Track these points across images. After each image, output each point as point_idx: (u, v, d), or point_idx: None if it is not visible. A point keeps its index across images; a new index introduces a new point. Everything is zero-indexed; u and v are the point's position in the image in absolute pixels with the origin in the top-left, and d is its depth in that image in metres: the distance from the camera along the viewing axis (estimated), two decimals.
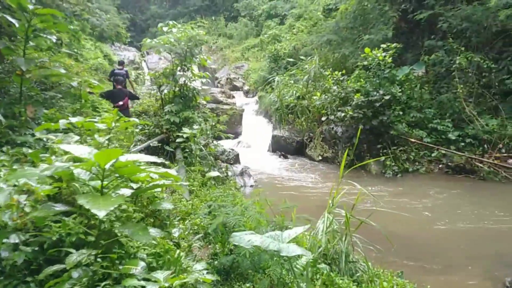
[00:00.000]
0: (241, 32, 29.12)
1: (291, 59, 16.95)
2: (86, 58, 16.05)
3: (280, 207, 4.65)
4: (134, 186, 3.30)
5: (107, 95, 9.75)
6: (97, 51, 18.60)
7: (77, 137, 3.88)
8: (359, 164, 5.66)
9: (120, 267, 2.65)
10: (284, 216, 4.82)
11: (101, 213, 1.71)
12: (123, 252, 2.80)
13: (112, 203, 1.86)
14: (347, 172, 4.94)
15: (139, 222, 2.84)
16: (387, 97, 10.84)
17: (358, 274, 4.10)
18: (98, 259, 2.44)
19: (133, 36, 28.54)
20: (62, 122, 2.92)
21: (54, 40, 5.38)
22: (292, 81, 14.09)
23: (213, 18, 32.09)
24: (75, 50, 14.53)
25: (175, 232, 3.76)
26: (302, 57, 15.71)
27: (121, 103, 10.18)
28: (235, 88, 23.03)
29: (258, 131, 16.42)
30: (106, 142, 3.68)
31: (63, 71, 5.74)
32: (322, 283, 3.86)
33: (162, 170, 2.26)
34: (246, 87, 22.99)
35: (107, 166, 2.09)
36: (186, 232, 4.68)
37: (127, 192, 2.41)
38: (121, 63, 13.66)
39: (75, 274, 2.29)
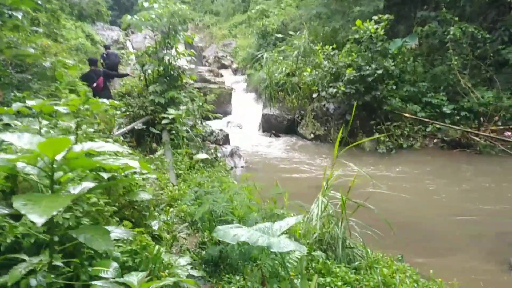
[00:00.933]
0: (228, 8, 28.29)
1: (280, 35, 16.42)
2: (66, 39, 15.37)
3: (271, 192, 4.30)
4: (106, 175, 2.94)
5: (83, 79, 9.32)
6: (78, 31, 17.87)
7: (46, 122, 3.49)
8: (355, 144, 5.31)
9: (90, 269, 2.32)
10: (276, 201, 4.51)
11: (39, 220, 1.35)
12: (93, 251, 2.45)
13: (59, 204, 1.49)
14: (342, 152, 4.60)
15: (98, 225, 2.48)
16: (379, 72, 10.47)
17: (356, 262, 3.81)
18: (59, 264, 2.09)
19: (117, 15, 27.52)
20: (16, 106, 2.52)
21: (20, 17, 4.88)
22: (281, 58, 13.62)
23: None
24: (55, 30, 13.86)
25: (155, 225, 3.41)
26: (291, 33, 15.19)
27: (94, 84, 9.70)
28: (223, 67, 22.43)
29: (248, 110, 15.99)
30: (73, 127, 3.29)
31: (32, 50, 5.27)
32: (318, 272, 3.58)
33: (124, 160, 1.88)
34: (234, 65, 22.40)
35: (57, 158, 1.71)
36: (172, 221, 4.36)
37: (87, 186, 2.04)
38: (107, 47, 13.26)
39: (33, 282, 1.96)
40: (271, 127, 13.55)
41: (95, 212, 2.69)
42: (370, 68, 10.64)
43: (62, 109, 2.69)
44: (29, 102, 2.65)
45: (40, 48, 10.14)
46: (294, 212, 5.09)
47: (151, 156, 7.76)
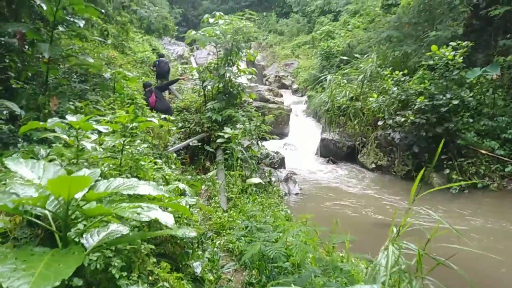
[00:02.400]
0: (293, 28, 28.12)
1: (345, 57, 15.80)
2: (134, 51, 15.78)
3: (332, 239, 3.71)
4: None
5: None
6: (145, 44, 18.39)
7: (87, 139, 3.20)
8: (441, 187, 4.57)
9: None
10: (335, 245, 3.93)
11: None
12: None
13: (59, 275, 1.06)
14: (422, 195, 3.92)
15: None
16: (455, 102, 9.54)
17: None
18: None
19: (184, 31, 28.28)
20: (52, 122, 2.20)
21: (81, 25, 4.76)
22: (345, 81, 12.98)
23: (264, 14, 31.33)
24: (123, 42, 14.25)
25: (198, 266, 2.96)
26: (357, 55, 14.55)
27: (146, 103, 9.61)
28: (284, 86, 22.12)
29: (306, 133, 15.46)
30: (118, 145, 2.95)
31: (90, 60, 5.14)
32: None
33: (155, 213, 1.43)
34: (295, 86, 22.03)
35: (76, 196, 1.31)
36: (217, 258, 3.90)
37: (115, 231, 1.63)
38: (160, 55, 13.68)
39: None
40: (329, 152, 12.89)
41: (129, 250, 2.29)
42: (444, 98, 9.74)
43: (102, 128, 2.33)
44: (69, 118, 2.33)
45: (106, 59, 10.35)
46: (355, 257, 4.46)
47: (203, 176, 7.44)
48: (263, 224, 3.69)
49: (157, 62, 13.81)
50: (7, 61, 5.63)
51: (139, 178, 3.12)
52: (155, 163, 3.88)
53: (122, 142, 2.97)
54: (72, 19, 4.76)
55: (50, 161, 3.02)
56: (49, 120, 2.21)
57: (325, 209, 8.36)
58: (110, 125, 2.61)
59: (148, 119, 2.83)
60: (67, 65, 7.31)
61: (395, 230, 4.09)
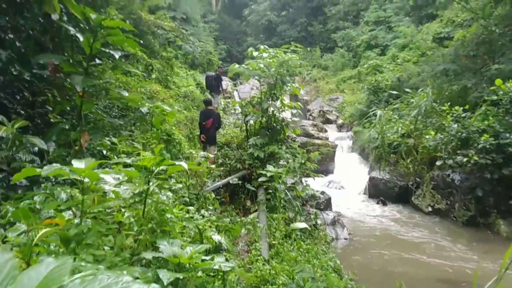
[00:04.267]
0: (337, 63, 27.66)
1: (394, 92, 15.00)
2: (178, 86, 15.80)
3: None
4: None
5: (201, 115, 9.92)
6: (189, 79, 18.48)
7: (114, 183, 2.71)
8: None
9: None
10: None
11: None
12: None
13: None
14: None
15: None
16: None
17: None
18: None
19: (228, 66, 28.68)
20: (47, 170, 1.71)
21: (117, 56, 4.45)
22: (396, 116, 12.16)
23: (308, 49, 31.21)
24: (168, 77, 14.28)
25: None
26: (407, 90, 13.73)
27: (204, 123, 9.63)
28: (328, 121, 21.45)
29: (352, 171, 14.60)
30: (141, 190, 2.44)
31: (125, 94, 4.79)
32: None
33: None
34: (340, 121, 21.29)
35: None
36: None
37: None
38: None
39: None
40: (378, 193, 11.94)
41: None
42: (511, 136, 8.73)
43: (111, 178, 1.82)
44: (75, 164, 1.84)
45: (148, 93, 10.22)
46: None
47: (243, 218, 6.84)
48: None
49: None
50: (49, 95, 5.45)
51: (164, 233, 2.57)
52: (188, 211, 3.35)
53: (145, 189, 2.45)
54: (108, 51, 4.44)
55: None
56: (44, 168, 1.73)
57: (378, 259, 7.45)
58: (128, 172, 2.12)
59: (178, 163, 2.30)
60: (107, 100, 7.16)
61: None
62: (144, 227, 2.49)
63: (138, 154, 5.67)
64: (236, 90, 24.96)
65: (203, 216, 5.55)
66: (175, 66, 16.14)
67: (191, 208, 3.51)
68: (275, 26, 37.24)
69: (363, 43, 26.11)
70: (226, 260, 3.58)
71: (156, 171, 2.42)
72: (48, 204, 2.58)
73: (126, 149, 5.23)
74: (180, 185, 5.20)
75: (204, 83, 15.12)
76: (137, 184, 2.55)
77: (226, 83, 25.19)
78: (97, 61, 5.14)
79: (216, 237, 3.40)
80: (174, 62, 15.13)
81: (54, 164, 1.76)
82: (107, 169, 2.21)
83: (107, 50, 4.49)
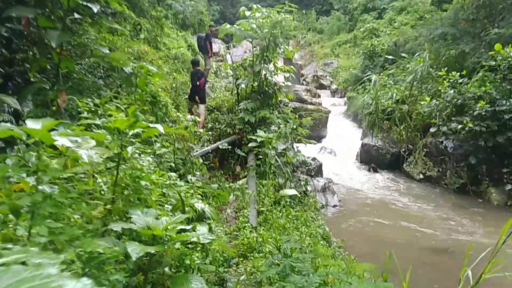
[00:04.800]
0: (333, 26, 26.93)
1: (390, 57, 14.65)
2: (168, 47, 15.25)
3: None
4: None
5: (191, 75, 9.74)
6: (181, 40, 17.87)
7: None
8: None
9: None
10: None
11: None
12: None
13: None
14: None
15: None
16: None
17: None
18: None
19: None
20: None
21: (95, 10, 4.10)
22: (391, 82, 11.89)
23: (303, 11, 30.29)
24: (157, 38, 13.73)
25: None
26: (404, 55, 13.40)
27: (198, 83, 9.39)
28: (322, 87, 21.10)
29: (345, 137, 14.44)
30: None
31: (106, 51, 4.47)
32: None
33: None
34: (334, 86, 20.96)
35: None
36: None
37: None
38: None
39: None
40: (370, 159, 11.84)
41: None
42: (507, 103, 8.55)
43: (67, 141, 1.59)
44: (28, 124, 1.61)
45: (135, 54, 9.80)
46: None
47: (232, 184, 6.69)
48: (300, 263, 2.86)
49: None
50: (30, 52, 5.11)
51: (141, 202, 2.37)
52: (169, 177, 3.15)
53: (117, 153, 2.23)
54: (85, 3, 4.08)
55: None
56: None
57: (368, 226, 7.41)
58: (92, 135, 1.89)
59: (153, 125, 2.07)
60: (92, 59, 6.79)
61: (470, 275, 3.18)
62: (117, 195, 2.29)
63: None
64: (229, 53, 24.33)
65: (188, 182, 5.38)
66: (166, 27, 15.52)
67: (172, 174, 3.31)
68: None
69: (360, 6, 25.36)
70: (210, 229, 3.42)
71: (130, 134, 2.18)
72: (14, 168, 2.36)
73: (109, 111, 4.97)
74: (165, 150, 4.99)
75: (196, 44, 14.60)
76: (109, 148, 2.32)
77: (218, 45, 24.49)
78: (76, 15, 4.77)
79: (199, 205, 3.22)
80: (165, 22, 14.52)
81: (3, 124, 1.52)
82: (65, 130, 1.98)
83: (84, 3, 4.13)
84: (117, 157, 2.26)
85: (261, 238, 4.87)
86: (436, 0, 16.66)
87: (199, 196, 4.92)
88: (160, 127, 2.08)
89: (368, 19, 23.44)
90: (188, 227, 2.45)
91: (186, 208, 3.26)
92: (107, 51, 4.47)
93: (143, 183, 2.31)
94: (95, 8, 4.10)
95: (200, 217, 3.26)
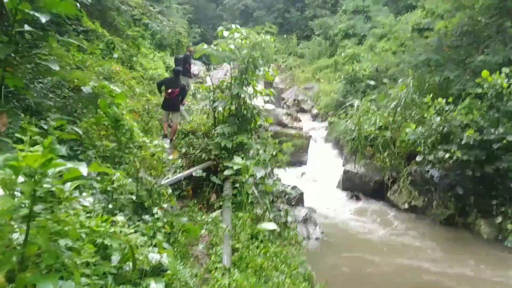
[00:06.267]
0: (314, 51, 26.91)
1: (372, 82, 14.43)
2: (145, 68, 14.67)
3: None
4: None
5: (161, 81, 9.70)
6: (159, 61, 17.35)
7: None
8: None
9: None
10: None
11: None
12: None
13: None
14: None
15: None
16: (510, 138, 8.02)
17: None
18: None
19: None
20: None
21: (44, 21, 3.52)
22: (374, 108, 11.56)
23: (284, 36, 30.31)
24: (133, 58, 13.16)
25: None
26: (385, 80, 13.17)
27: (169, 90, 9.25)
28: (303, 111, 20.79)
29: (326, 163, 13.99)
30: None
31: (56, 68, 3.87)
32: None
33: None
34: (314, 111, 20.66)
35: None
36: None
37: None
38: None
39: None
40: (353, 186, 11.37)
41: None
42: (496, 132, 8.24)
43: None
44: None
45: (105, 73, 9.19)
46: None
47: (204, 218, 6.03)
48: None
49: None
50: None
51: (61, 268, 1.75)
52: (114, 223, 2.52)
53: (27, 205, 1.61)
54: (32, 13, 3.50)
55: None
56: None
57: (351, 262, 6.85)
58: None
59: (74, 165, 1.48)
60: (55, 77, 6.15)
61: None
62: (29, 258, 1.66)
63: (77, 142, 4.78)
64: (209, 75, 23.90)
65: (154, 215, 4.74)
66: (142, 47, 14.99)
67: (120, 218, 2.67)
68: (251, 12, 36.17)
69: (341, 31, 25.43)
70: (167, 286, 2.79)
71: (42, 176, 1.58)
72: None
73: (61, 135, 4.33)
74: (127, 181, 4.35)
75: (174, 65, 14.16)
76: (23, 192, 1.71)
77: (198, 67, 24.06)
78: (27, 27, 4.17)
79: (154, 256, 2.59)
80: (141, 42, 13.99)
81: None
82: None
83: (30, 12, 3.55)
84: (30, 207, 1.64)
85: (234, 283, 4.24)
86: (417, 28, 16.70)
87: (162, 234, 4.28)
88: (83, 168, 1.49)
89: (349, 44, 23.47)
90: None
91: (138, 260, 2.63)
92: (57, 67, 3.86)
93: (62, 242, 1.69)
94: (44, 19, 3.53)
95: (156, 271, 2.63)
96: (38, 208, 2.06)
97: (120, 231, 2.44)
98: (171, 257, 2.88)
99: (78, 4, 4.07)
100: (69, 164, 1.51)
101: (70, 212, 1.95)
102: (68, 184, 2.32)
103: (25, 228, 1.68)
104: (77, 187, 2.67)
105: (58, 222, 1.78)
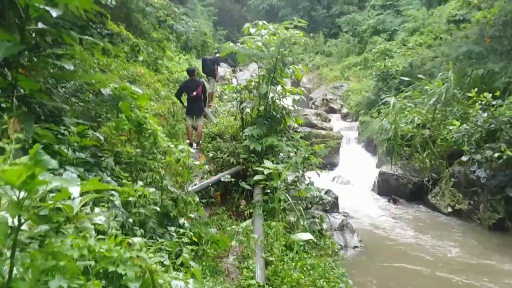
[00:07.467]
0: (342, 49, 26.19)
1: (406, 78, 13.67)
2: (171, 71, 14.46)
3: None
4: None
5: (181, 89, 9.10)
6: (185, 64, 17.14)
7: None
8: None
9: None
10: None
11: None
12: None
13: None
14: None
15: None
16: None
17: None
18: None
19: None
20: None
21: (55, 15, 3.20)
22: (411, 105, 10.87)
23: (311, 35, 29.70)
24: (158, 60, 12.95)
25: None
26: (420, 76, 12.42)
27: (194, 93, 8.78)
28: (332, 111, 20.15)
29: (359, 165, 13.37)
30: None
31: (71, 67, 3.54)
32: None
33: None
34: (344, 110, 20.01)
35: None
36: None
37: None
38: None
39: None
40: (390, 189, 10.73)
41: None
42: None
43: None
44: None
45: (131, 76, 8.95)
46: None
47: (234, 226, 5.62)
48: None
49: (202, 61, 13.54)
50: None
51: None
52: (130, 245, 2.13)
53: (13, 231, 1.22)
54: (42, 7, 3.18)
55: None
56: None
57: (398, 275, 6.27)
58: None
59: (60, 184, 1.08)
60: (78, 82, 5.91)
61: None
62: None
63: (98, 148, 4.46)
64: (235, 77, 23.59)
65: (181, 227, 4.36)
66: (168, 50, 14.78)
67: (137, 240, 2.28)
68: (276, 11, 35.64)
69: (370, 28, 24.65)
70: None
71: (24, 196, 1.18)
72: None
73: (82, 142, 4.02)
74: (151, 190, 3.99)
75: (201, 67, 13.84)
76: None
77: (224, 69, 23.80)
78: (40, 25, 3.87)
79: (178, 284, 2.18)
80: (167, 45, 13.77)
81: None
82: None
83: (41, 7, 3.23)
84: (15, 239, 1.25)
85: None
86: (452, 20, 15.82)
87: (189, 249, 3.89)
88: (74, 188, 1.09)
89: (379, 41, 22.67)
90: None
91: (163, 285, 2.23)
92: (71, 67, 3.54)
93: (54, 284, 1.29)
94: (54, 13, 3.20)
95: None
96: (42, 228, 1.70)
97: (137, 256, 2.03)
98: (199, 280, 2.45)
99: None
100: (56, 182, 1.12)
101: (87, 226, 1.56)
102: (78, 199, 1.95)
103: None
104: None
105: (53, 255, 1.38)
